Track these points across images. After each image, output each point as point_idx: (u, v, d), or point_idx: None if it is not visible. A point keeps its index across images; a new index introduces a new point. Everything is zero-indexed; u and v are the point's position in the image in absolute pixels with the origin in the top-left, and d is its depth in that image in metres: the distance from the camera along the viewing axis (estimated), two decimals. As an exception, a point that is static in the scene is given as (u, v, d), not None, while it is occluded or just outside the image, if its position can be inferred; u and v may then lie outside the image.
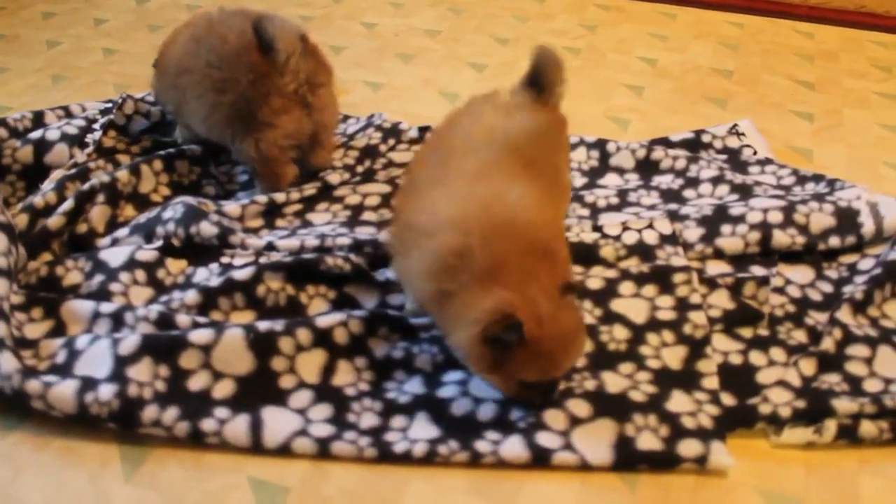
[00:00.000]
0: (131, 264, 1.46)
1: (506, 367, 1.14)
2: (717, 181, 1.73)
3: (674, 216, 1.61)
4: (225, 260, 1.51)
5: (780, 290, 1.48)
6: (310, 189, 1.72)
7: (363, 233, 1.58)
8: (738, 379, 1.31)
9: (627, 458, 1.18)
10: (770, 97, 2.21)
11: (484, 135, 1.31)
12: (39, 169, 1.73)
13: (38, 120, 1.90)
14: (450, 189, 1.24)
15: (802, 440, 1.22)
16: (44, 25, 2.58)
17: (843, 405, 1.23)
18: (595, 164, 1.85)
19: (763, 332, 1.40)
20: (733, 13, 2.77)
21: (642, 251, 1.54)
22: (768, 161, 1.83)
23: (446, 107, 2.08)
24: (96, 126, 1.83)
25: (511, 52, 2.45)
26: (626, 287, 1.46)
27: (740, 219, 1.57)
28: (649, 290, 1.45)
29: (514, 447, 1.18)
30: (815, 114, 2.13)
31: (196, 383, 1.25)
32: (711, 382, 1.29)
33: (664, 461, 1.17)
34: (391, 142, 1.90)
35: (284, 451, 1.19)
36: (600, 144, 1.87)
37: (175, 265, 1.50)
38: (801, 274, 1.52)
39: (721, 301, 1.44)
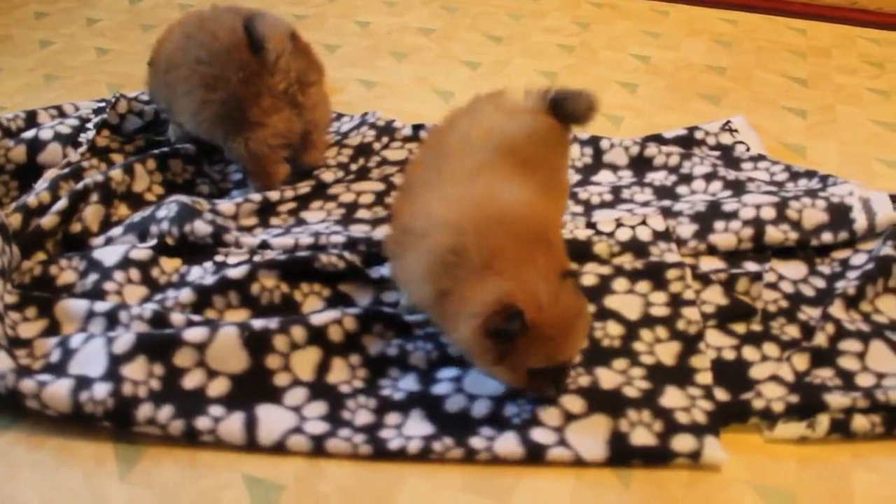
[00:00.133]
0: (125, 263, 1.46)
1: (512, 357, 1.13)
2: (710, 178, 1.74)
3: (667, 213, 1.61)
4: (219, 258, 1.51)
5: (773, 286, 1.48)
6: (304, 187, 1.72)
7: (357, 231, 1.58)
8: (732, 374, 1.31)
9: (621, 454, 1.18)
10: (763, 94, 2.21)
11: (481, 136, 1.31)
12: (33, 168, 1.73)
13: (32, 119, 1.90)
14: (444, 191, 1.24)
15: (795, 435, 1.22)
16: (36, 25, 2.57)
17: (836, 400, 1.23)
18: (589, 161, 1.85)
19: (756, 327, 1.40)
20: (726, 10, 2.77)
21: (636, 248, 1.54)
22: (761, 157, 1.83)
23: (440, 105, 2.10)
24: (89, 125, 1.83)
25: (505, 49, 2.45)
26: (620, 283, 1.46)
27: (733, 215, 1.58)
28: (643, 286, 1.46)
29: (508, 443, 1.18)
30: (807, 110, 2.13)
31: (191, 381, 1.25)
32: (705, 378, 1.29)
33: (658, 456, 1.18)
34: (385, 140, 1.90)
35: (279, 448, 1.19)
36: (594, 141, 1.88)
37: (169, 264, 1.50)
38: (793, 269, 1.52)
39: (714, 297, 1.45)
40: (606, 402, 1.24)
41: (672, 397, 1.26)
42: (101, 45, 2.44)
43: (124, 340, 1.26)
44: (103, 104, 1.91)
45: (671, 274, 1.47)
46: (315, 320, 1.33)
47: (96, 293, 1.42)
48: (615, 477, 1.17)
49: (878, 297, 1.46)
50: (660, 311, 1.41)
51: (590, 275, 1.48)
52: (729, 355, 1.35)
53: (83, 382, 1.21)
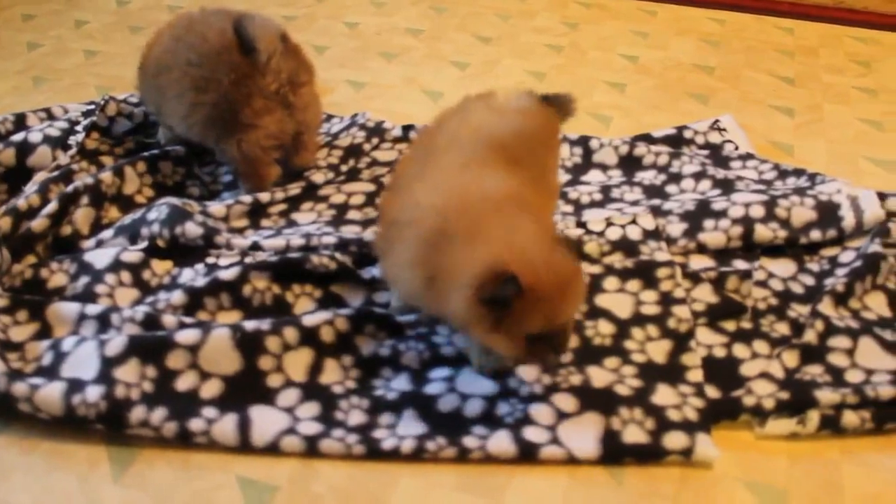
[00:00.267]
0: (116, 266, 1.46)
1: (509, 324, 1.11)
2: (699, 176, 1.75)
3: (657, 212, 1.62)
4: (210, 260, 1.51)
5: (762, 284, 1.49)
6: (294, 189, 1.72)
7: (348, 232, 1.58)
8: (723, 371, 1.32)
9: (614, 452, 1.19)
10: (751, 93, 2.23)
11: (470, 133, 1.31)
12: (22, 171, 1.72)
13: (20, 122, 1.89)
14: (430, 182, 1.24)
15: (786, 431, 1.23)
16: (23, 27, 2.56)
17: (826, 396, 1.24)
18: (578, 161, 1.86)
19: (746, 325, 1.41)
20: (714, 9, 2.79)
21: (626, 246, 1.55)
22: (750, 156, 1.84)
23: (429, 105, 2.10)
24: (79, 128, 1.83)
25: (493, 50, 2.46)
26: (611, 282, 1.47)
27: (722, 213, 1.59)
28: (633, 284, 1.46)
29: (501, 442, 1.19)
30: (795, 109, 2.15)
31: (183, 383, 1.25)
32: (696, 375, 1.30)
33: (650, 454, 1.18)
34: (375, 141, 1.91)
35: (273, 449, 1.20)
36: (583, 141, 1.88)
37: (160, 266, 1.50)
38: (783, 267, 1.53)
39: (704, 295, 1.45)
40: (598, 401, 1.25)
41: (663, 395, 1.26)
42: (89, 48, 2.43)
43: (116, 343, 1.26)
44: (92, 106, 1.90)
45: (661, 273, 1.47)
46: (307, 321, 1.33)
47: (87, 296, 1.41)
48: (608, 475, 1.18)
49: (867, 294, 1.47)
50: (650, 309, 1.42)
51: (581, 274, 1.48)
52: (719, 353, 1.36)
53: (76, 385, 1.20)
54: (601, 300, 1.44)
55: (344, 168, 1.81)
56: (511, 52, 2.45)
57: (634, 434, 1.20)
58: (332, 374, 1.30)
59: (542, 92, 1.47)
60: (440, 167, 1.27)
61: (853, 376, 1.30)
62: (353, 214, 1.67)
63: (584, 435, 1.20)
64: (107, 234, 1.57)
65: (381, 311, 1.38)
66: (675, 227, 1.58)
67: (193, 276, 1.48)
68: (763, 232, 1.56)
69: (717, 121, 1.97)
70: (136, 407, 1.20)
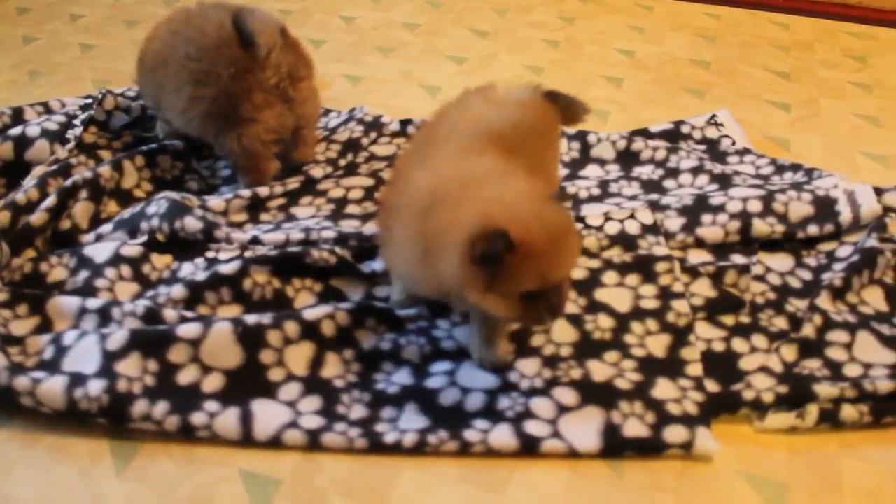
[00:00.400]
0: (116, 260, 1.46)
1: (503, 283, 1.08)
2: (696, 171, 1.75)
3: (655, 206, 1.63)
4: (210, 254, 1.51)
5: (760, 278, 1.50)
6: (293, 183, 1.72)
7: (347, 226, 1.59)
8: (722, 366, 1.33)
9: (615, 445, 1.19)
10: (747, 88, 2.23)
11: (469, 124, 1.31)
12: (20, 165, 1.72)
13: (18, 116, 1.89)
14: (427, 167, 1.23)
15: (785, 425, 1.24)
16: (19, 21, 2.55)
17: (825, 390, 1.25)
18: (576, 156, 1.86)
19: (745, 319, 1.42)
20: (710, 5, 2.79)
21: (625, 241, 1.55)
22: (747, 151, 1.85)
23: (427, 100, 2.10)
24: (76, 122, 1.82)
25: (490, 44, 2.46)
26: (610, 277, 1.48)
27: (720, 208, 1.59)
28: (632, 279, 1.47)
29: (502, 436, 1.19)
30: (791, 104, 2.16)
31: (185, 377, 1.25)
32: (695, 369, 1.31)
33: (651, 447, 1.19)
34: (373, 135, 1.91)
35: (275, 443, 1.20)
36: (581, 136, 1.89)
37: (160, 260, 1.50)
38: (780, 262, 1.54)
39: (703, 289, 1.46)
40: (599, 395, 1.25)
41: (663, 389, 1.27)
42: (85, 41, 2.42)
43: (118, 337, 1.26)
44: (90, 100, 1.90)
45: (660, 267, 1.48)
46: (308, 315, 1.33)
47: (88, 290, 1.41)
48: (609, 468, 1.19)
49: (864, 289, 1.48)
50: (649, 303, 1.42)
51: (580, 268, 1.49)
52: (718, 347, 1.37)
53: (77, 379, 1.20)
54: (600, 294, 1.44)
55: (342, 162, 1.81)
56: (508, 47, 2.45)
57: (635, 428, 1.21)
58: (334, 368, 1.31)
59: (556, 91, 1.45)
60: (439, 156, 1.27)
61: (851, 370, 1.31)
62: (351, 209, 1.67)
63: (584, 428, 1.21)
64: (106, 228, 1.57)
65: (381, 306, 1.39)
66: (674, 222, 1.59)
67: (193, 270, 1.48)
68: (761, 226, 1.57)
69: (713, 116, 1.98)
70: (138, 401, 1.20)
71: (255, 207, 1.66)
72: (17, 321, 1.35)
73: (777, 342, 1.36)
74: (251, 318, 1.31)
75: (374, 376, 1.30)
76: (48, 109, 1.93)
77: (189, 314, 1.35)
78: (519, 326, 1.35)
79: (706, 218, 1.59)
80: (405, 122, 1.95)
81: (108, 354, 1.24)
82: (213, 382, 1.25)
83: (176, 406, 1.21)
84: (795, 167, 1.77)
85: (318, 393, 1.26)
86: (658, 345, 1.35)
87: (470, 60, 2.36)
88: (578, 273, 1.48)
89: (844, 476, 1.19)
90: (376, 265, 1.49)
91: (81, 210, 1.59)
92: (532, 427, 1.21)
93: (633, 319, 1.40)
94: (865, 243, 1.52)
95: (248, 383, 1.26)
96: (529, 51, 2.43)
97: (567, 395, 1.25)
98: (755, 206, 1.59)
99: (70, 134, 1.79)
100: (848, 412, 1.24)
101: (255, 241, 1.53)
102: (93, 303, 1.36)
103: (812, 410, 1.24)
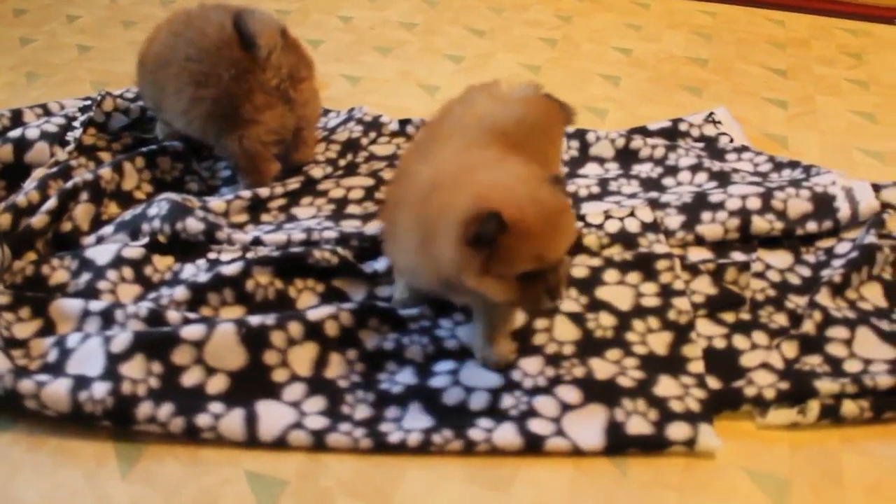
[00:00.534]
0: (118, 262, 1.46)
1: (499, 264, 1.08)
2: (695, 169, 1.76)
3: (655, 204, 1.63)
4: (212, 256, 1.51)
5: (760, 275, 1.51)
6: (293, 183, 1.72)
7: (349, 226, 1.59)
8: (723, 362, 1.34)
9: (618, 443, 1.20)
10: (744, 85, 2.24)
11: (474, 120, 1.31)
12: (20, 168, 1.72)
13: (17, 118, 1.88)
14: (431, 161, 1.24)
15: (787, 421, 1.25)
16: (16, 22, 2.55)
17: (825, 386, 1.26)
18: (575, 154, 1.87)
19: (745, 316, 1.43)
20: (705, 2, 2.80)
21: (625, 239, 1.56)
22: (745, 148, 1.86)
23: (426, 99, 2.10)
24: (76, 124, 1.82)
25: (487, 43, 2.46)
26: (611, 275, 1.48)
27: (719, 206, 1.60)
28: (633, 277, 1.48)
29: (507, 434, 1.20)
30: (788, 101, 2.16)
31: (189, 379, 1.25)
32: (697, 367, 1.31)
33: (654, 444, 1.20)
34: (372, 135, 1.91)
35: (280, 444, 1.20)
36: (580, 134, 1.89)
37: (162, 262, 1.50)
38: (780, 259, 1.55)
39: (703, 287, 1.47)
40: (601, 392, 1.26)
41: (666, 386, 1.28)
42: (82, 42, 2.42)
43: (122, 339, 1.26)
44: (89, 102, 1.90)
45: (660, 265, 1.49)
46: (311, 316, 1.34)
47: (90, 292, 1.42)
48: (612, 465, 1.19)
49: (863, 285, 1.49)
50: (651, 301, 1.43)
51: (580, 267, 1.49)
52: (719, 344, 1.37)
53: (82, 382, 1.21)
54: (602, 293, 1.45)
55: (342, 162, 1.82)
56: (505, 46, 2.45)
57: (638, 425, 1.22)
58: (337, 369, 1.31)
59: (545, 91, 1.47)
60: (441, 151, 1.27)
61: (851, 366, 1.32)
62: (352, 209, 1.67)
63: (588, 426, 1.21)
64: (107, 230, 1.57)
65: (384, 305, 1.39)
66: (673, 220, 1.60)
67: (195, 271, 1.48)
68: (760, 224, 1.57)
69: (711, 113, 1.98)
70: (143, 403, 1.20)
71: (256, 208, 1.67)
72: (20, 324, 1.35)
73: (777, 339, 1.37)
74: (254, 319, 1.31)
75: (378, 376, 1.31)
76: (47, 111, 1.93)
77: (192, 316, 1.35)
78: (521, 325, 1.36)
79: (706, 215, 1.59)
80: (404, 122, 1.95)
81: (112, 357, 1.24)
82: (217, 384, 1.26)
83: (181, 408, 1.21)
84: (793, 164, 1.77)
85: (322, 393, 1.27)
86: (659, 342, 1.36)
87: (467, 59, 2.36)
88: (579, 271, 1.48)
89: (846, 471, 1.20)
90: (378, 265, 1.49)
91: (82, 212, 1.59)
92: (536, 425, 1.21)
93: (635, 317, 1.40)
94: (864, 240, 1.53)
95: (252, 384, 1.27)
96: (526, 49, 2.43)
97: (570, 394, 1.26)
98: (754, 203, 1.59)
99: (69, 136, 1.79)
100: (849, 408, 1.25)
101: (257, 241, 1.53)
102: (96, 305, 1.36)
103: (813, 406, 1.25)
